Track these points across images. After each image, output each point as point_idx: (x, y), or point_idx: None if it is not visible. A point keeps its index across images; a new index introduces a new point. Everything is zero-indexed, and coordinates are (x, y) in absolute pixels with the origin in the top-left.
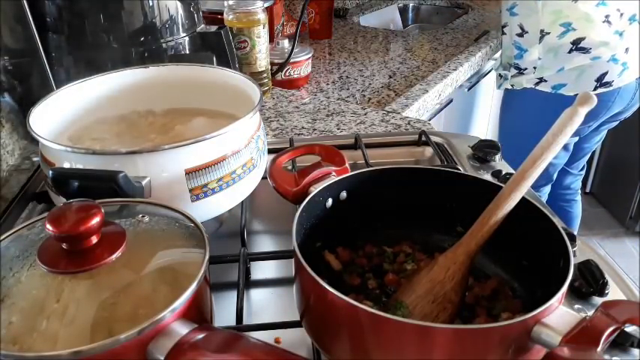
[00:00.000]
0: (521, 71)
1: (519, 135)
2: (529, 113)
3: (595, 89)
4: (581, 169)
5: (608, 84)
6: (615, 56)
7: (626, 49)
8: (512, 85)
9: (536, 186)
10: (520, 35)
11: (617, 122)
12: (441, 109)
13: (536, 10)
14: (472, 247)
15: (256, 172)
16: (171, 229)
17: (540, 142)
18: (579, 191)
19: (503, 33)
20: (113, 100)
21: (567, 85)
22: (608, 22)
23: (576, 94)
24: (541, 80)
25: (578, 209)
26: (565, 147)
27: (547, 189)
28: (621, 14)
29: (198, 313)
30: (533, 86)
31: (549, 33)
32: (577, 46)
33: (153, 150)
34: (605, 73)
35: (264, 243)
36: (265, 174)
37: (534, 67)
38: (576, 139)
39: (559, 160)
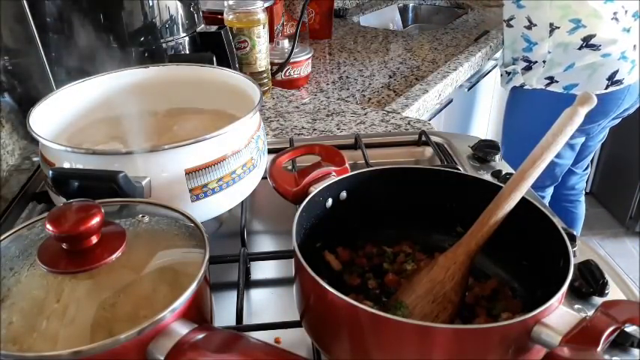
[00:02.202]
0: (530, 65)
1: (528, 137)
2: (540, 115)
3: (607, 88)
4: (586, 169)
5: (620, 82)
6: (625, 53)
7: (634, 46)
8: (522, 84)
9: (542, 186)
10: (528, 28)
11: (620, 120)
12: (441, 109)
13: (544, 3)
14: (472, 247)
15: (256, 172)
16: (171, 229)
17: (540, 142)
18: (583, 192)
19: (509, 26)
20: (113, 100)
21: (579, 84)
22: (616, 19)
23: None
24: (552, 81)
25: (581, 210)
26: (572, 147)
27: (551, 190)
28: (626, 11)
29: (198, 313)
30: (544, 87)
31: (559, 27)
32: (587, 43)
33: (153, 150)
34: (616, 72)
35: (264, 243)
36: (265, 174)
37: (544, 61)
38: (583, 138)
39: (565, 161)
